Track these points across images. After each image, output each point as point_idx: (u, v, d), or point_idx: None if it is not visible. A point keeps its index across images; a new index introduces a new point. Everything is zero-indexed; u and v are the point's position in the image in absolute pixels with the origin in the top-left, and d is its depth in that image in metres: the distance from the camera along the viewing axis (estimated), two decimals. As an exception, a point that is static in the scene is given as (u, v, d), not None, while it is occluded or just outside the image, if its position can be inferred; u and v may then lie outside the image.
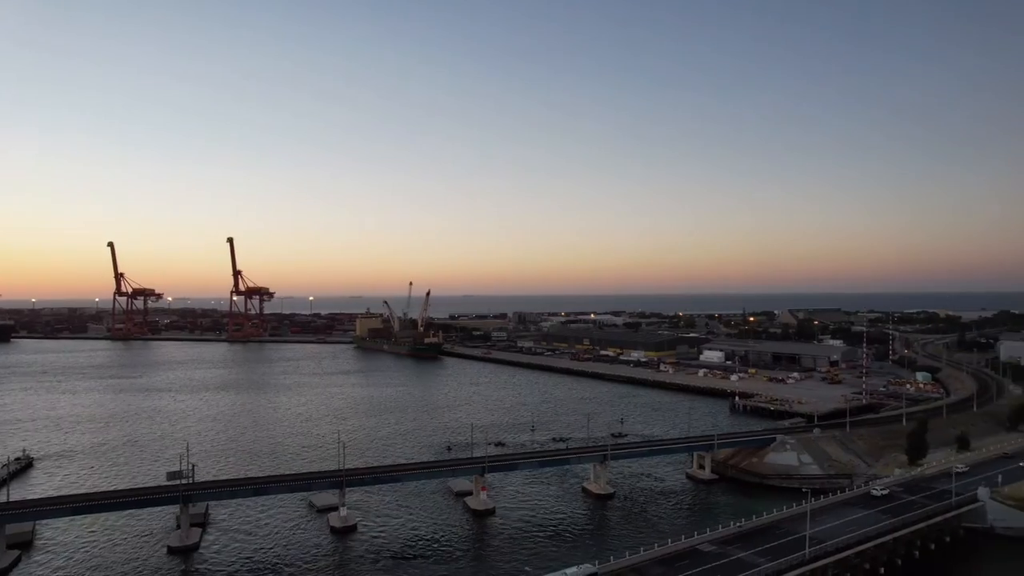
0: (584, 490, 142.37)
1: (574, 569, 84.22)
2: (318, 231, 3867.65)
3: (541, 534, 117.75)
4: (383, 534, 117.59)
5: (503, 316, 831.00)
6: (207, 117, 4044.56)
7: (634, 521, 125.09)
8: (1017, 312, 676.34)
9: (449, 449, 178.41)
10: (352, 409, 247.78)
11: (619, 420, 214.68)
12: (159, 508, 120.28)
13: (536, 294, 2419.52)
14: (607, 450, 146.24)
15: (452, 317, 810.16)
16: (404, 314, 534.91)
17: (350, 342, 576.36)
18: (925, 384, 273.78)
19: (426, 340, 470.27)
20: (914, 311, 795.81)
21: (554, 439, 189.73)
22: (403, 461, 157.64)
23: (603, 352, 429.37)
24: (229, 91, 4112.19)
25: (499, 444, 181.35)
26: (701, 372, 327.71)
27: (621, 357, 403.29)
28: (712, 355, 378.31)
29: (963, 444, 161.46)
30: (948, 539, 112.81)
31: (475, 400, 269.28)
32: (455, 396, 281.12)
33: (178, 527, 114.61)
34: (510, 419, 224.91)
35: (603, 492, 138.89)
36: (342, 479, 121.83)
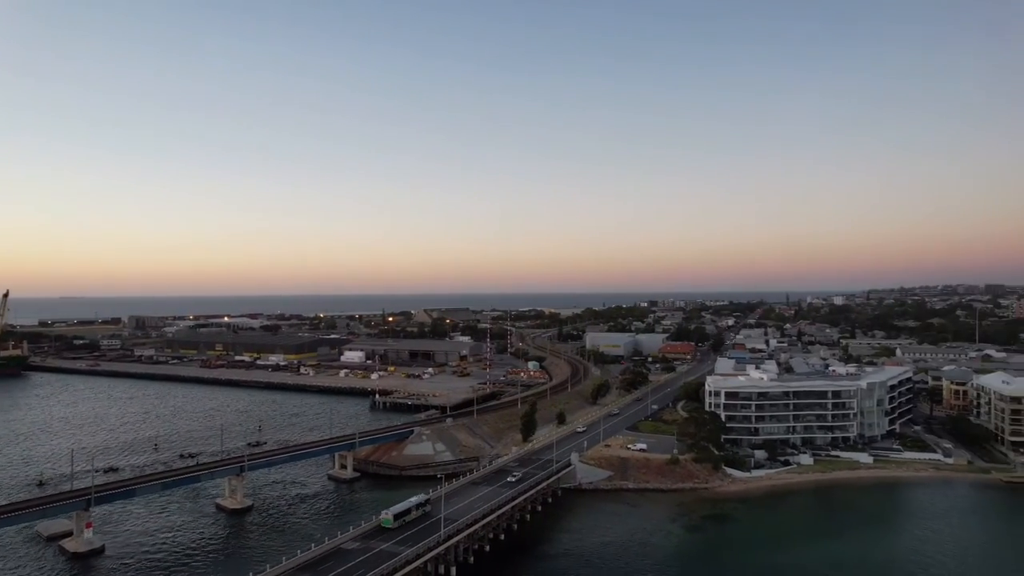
0: (219, 507, 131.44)
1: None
2: None
3: (164, 566, 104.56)
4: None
5: (116, 321, 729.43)
6: None
7: (276, 531, 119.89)
8: (598, 309, 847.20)
9: (41, 485, 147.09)
10: None
11: (257, 428, 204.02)
12: None
13: (158, 295, 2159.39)
14: (243, 461, 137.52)
15: (44, 323, 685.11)
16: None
17: None
18: (535, 371, 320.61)
19: (3, 353, 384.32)
20: (526, 309, 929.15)
21: (182, 456, 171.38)
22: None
23: (238, 357, 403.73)
24: None
25: (112, 470, 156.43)
26: (342, 373, 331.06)
27: (259, 362, 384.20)
28: (353, 355, 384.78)
29: (561, 420, 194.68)
30: (551, 499, 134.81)
31: (78, 422, 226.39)
32: (49, 420, 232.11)
33: None
34: (126, 439, 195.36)
35: (240, 506, 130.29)
36: None
